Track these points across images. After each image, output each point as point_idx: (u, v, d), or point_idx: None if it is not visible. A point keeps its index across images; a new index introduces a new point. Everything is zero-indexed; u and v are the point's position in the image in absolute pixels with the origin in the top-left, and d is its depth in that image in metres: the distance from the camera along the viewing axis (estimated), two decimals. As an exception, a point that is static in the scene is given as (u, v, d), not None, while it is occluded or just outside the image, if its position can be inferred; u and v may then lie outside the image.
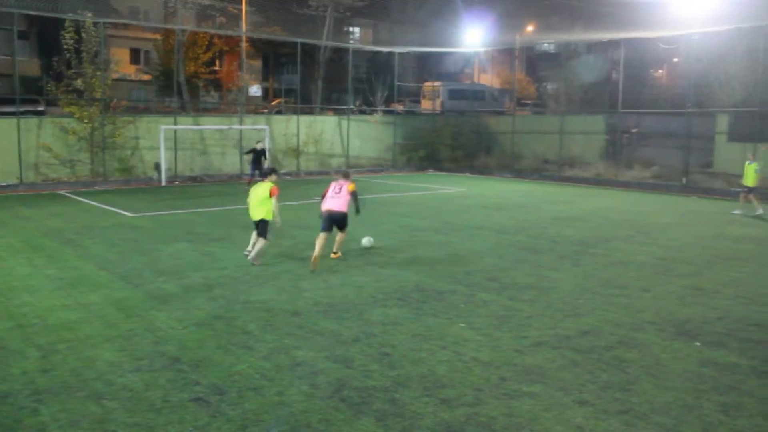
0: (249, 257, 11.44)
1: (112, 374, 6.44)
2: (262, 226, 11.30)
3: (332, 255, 11.92)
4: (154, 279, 10.38)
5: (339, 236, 12.01)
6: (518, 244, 13.61)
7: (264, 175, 12.51)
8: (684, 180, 25.98)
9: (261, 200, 11.27)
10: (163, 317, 8.33)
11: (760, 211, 18.43)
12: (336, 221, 11.76)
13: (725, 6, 23.86)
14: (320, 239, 11.29)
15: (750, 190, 18.81)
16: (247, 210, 11.59)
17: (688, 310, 8.88)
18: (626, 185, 27.17)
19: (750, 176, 18.73)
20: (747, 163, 18.96)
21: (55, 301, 9.04)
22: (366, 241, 12.97)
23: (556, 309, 8.87)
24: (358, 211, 12.18)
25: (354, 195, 11.94)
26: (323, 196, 11.90)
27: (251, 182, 24.46)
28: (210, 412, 5.63)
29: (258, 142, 25.19)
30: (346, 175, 12.30)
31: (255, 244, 11.46)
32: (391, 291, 9.72)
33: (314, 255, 11.02)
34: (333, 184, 11.98)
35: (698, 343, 7.53)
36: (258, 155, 23.82)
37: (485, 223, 16.44)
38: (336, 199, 11.71)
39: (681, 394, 6.13)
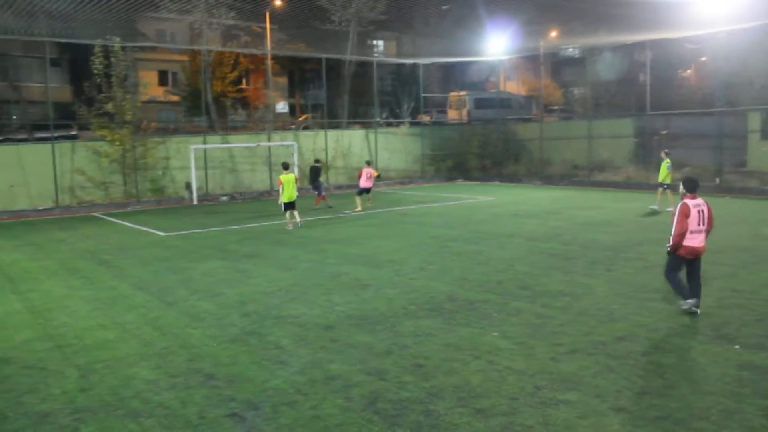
0: (299, 225, 17.85)
1: (149, 392, 6.52)
2: (295, 202, 17.80)
3: (369, 203, 22.66)
4: (188, 297, 10.51)
5: (369, 196, 22.72)
6: (550, 251, 13.50)
7: (285, 168, 17.83)
8: (717, 180, 25.55)
9: (293, 185, 17.61)
10: (197, 334, 8.42)
11: (670, 208, 18.54)
12: (368, 191, 22.41)
13: (750, 2, 23.48)
14: (361, 200, 22.09)
15: (666, 186, 19.37)
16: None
17: (725, 313, 8.72)
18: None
19: (662, 172, 19.45)
20: (662, 160, 19.65)
21: (92, 322, 9.20)
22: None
23: (590, 315, 8.77)
24: (379, 177, 24.49)
25: (378, 176, 23.44)
26: (360, 177, 22.22)
27: (320, 201, 23.09)
28: (245, 428, 5.67)
29: (316, 161, 24.77)
30: (369, 164, 23.33)
31: (297, 215, 17.83)
32: (423, 302, 9.71)
33: (360, 207, 21.83)
34: (364, 171, 22.12)
35: (737, 346, 7.38)
36: (315, 173, 23.53)
37: (516, 231, 16.35)
38: (370, 180, 22.09)
39: (721, 398, 6.01)
